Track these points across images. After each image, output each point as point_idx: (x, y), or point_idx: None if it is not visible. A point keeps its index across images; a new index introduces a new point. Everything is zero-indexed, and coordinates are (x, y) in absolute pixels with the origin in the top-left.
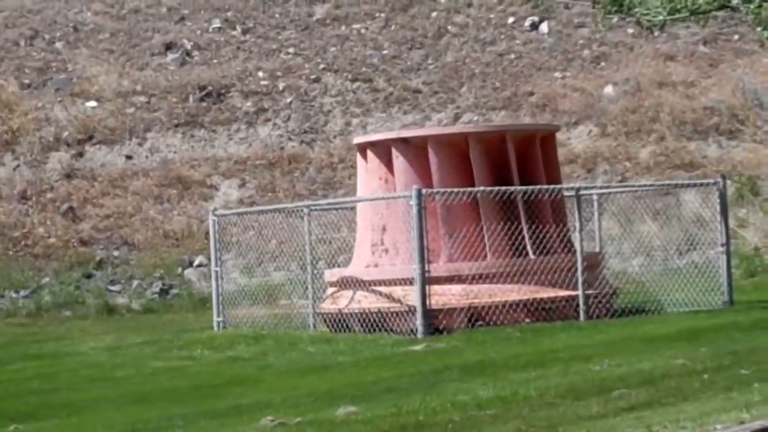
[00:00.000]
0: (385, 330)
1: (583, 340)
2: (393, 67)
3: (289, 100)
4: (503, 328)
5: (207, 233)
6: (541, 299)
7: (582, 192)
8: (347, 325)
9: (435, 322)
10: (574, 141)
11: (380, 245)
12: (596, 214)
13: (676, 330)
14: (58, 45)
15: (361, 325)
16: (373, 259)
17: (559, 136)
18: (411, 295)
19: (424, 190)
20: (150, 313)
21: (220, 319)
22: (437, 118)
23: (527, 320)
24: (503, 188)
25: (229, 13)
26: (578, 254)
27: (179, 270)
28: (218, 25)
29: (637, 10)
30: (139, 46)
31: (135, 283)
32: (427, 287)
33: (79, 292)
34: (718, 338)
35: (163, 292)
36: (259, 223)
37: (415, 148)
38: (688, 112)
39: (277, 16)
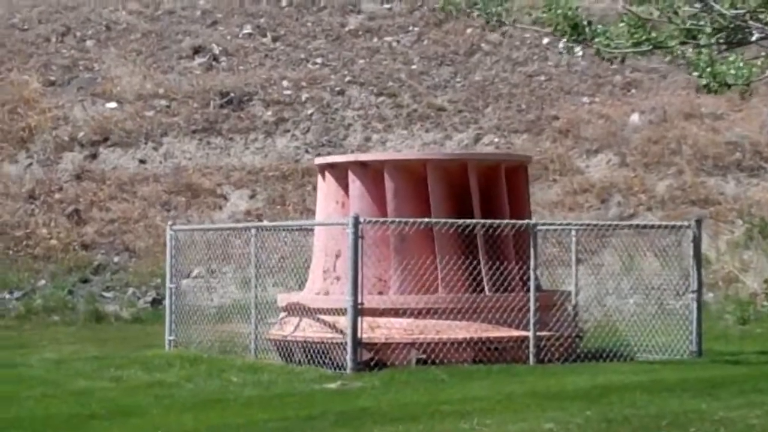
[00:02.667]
0: (325, 362)
1: (492, 390)
2: (420, 83)
3: (310, 112)
4: (438, 367)
5: (208, 244)
6: (489, 338)
7: (538, 228)
8: (291, 354)
9: (376, 356)
10: (592, 170)
11: (332, 272)
12: (574, 252)
13: (593, 386)
14: (89, 43)
15: (304, 355)
16: (324, 286)
17: (579, 163)
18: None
19: (362, 218)
20: (138, 323)
21: (172, 337)
22: (458, 138)
23: (469, 361)
24: (453, 221)
25: (261, 20)
26: (531, 293)
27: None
28: (249, 31)
29: (597, 40)
30: (168, 48)
31: (129, 291)
32: (360, 319)
33: (71, 297)
34: (620, 399)
35: (156, 302)
36: (261, 237)
37: (373, 173)
38: (711, 146)
39: (309, 24)
